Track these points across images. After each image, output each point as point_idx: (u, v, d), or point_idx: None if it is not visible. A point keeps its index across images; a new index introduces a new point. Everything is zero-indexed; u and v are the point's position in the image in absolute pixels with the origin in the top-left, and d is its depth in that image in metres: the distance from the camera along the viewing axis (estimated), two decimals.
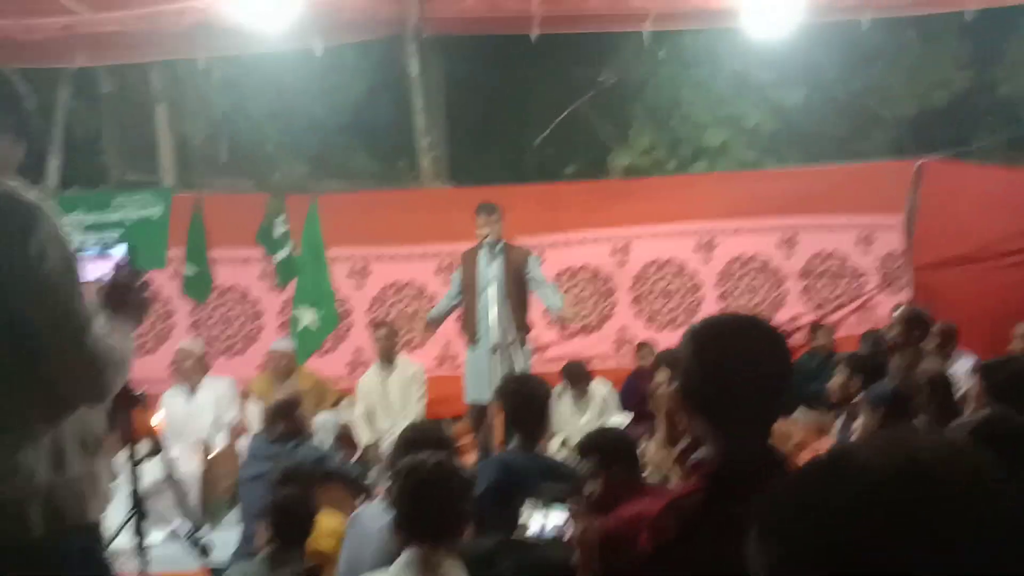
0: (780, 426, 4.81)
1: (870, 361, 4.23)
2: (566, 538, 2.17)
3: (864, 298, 7.20)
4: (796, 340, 6.85)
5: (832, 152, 8.15)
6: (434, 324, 5.57)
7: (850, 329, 7.11)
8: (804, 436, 5.43)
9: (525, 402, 3.27)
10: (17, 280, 1.59)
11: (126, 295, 1.85)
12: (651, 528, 1.43)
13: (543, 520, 2.28)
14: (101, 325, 1.70)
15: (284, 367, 5.92)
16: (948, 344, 5.44)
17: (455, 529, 2.11)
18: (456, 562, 2.07)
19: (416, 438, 2.87)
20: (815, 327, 6.56)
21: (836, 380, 4.35)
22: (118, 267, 1.89)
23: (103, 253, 1.91)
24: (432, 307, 6.77)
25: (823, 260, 7.20)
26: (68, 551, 1.67)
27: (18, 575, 1.62)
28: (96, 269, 1.81)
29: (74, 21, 5.42)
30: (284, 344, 6.15)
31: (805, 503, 0.73)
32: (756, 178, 7.60)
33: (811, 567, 0.70)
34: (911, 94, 7.92)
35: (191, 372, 5.67)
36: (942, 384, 4.12)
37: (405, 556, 2.08)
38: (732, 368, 1.45)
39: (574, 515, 2.13)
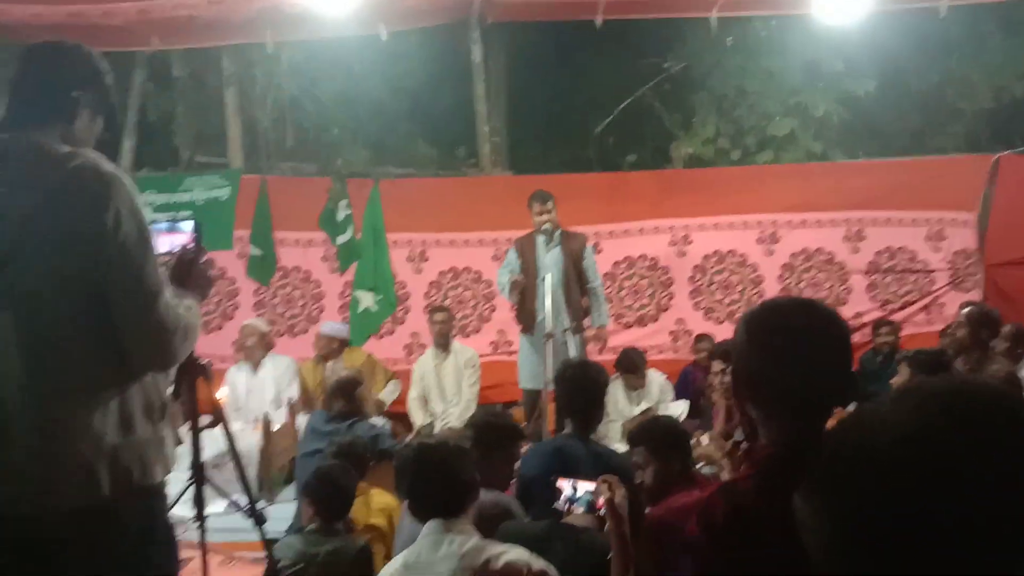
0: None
1: (934, 360, 4.10)
2: (597, 504, 2.25)
3: (932, 296, 6.99)
4: (859, 337, 6.70)
5: (905, 145, 7.89)
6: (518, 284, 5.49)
7: (917, 327, 6.92)
8: None
9: (581, 388, 3.27)
10: (93, 246, 1.66)
11: (191, 270, 1.92)
12: (700, 513, 1.42)
13: (574, 487, 2.34)
14: (171, 295, 1.77)
15: (326, 349, 6.04)
16: (1019, 346, 5.24)
17: (464, 500, 2.22)
18: (469, 527, 2.16)
19: (486, 426, 2.90)
20: (879, 324, 6.38)
21: (898, 379, 4.24)
22: (184, 244, 1.96)
23: (172, 228, 1.98)
24: (490, 293, 6.87)
25: (891, 256, 7.00)
26: (133, 511, 1.74)
27: (86, 532, 1.70)
28: (165, 243, 1.88)
29: (150, 6, 5.60)
30: (330, 327, 6.27)
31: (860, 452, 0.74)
32: (823, 170, 7.41)
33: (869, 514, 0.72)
34: (990, 86, 7.59)
35: (255, 349, 5.85)
36: (1015, 387, 3.99)
37: (425, 530, 2.17)
38: (786, 351, 1.42)
39: (604, 483, 2.23)
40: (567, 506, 2.38)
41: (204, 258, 1.95)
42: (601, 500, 2.22)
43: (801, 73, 7.59)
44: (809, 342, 1.42)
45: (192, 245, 1.97)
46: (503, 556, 2.06)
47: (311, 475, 3.05)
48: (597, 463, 2.96)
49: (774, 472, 1.43)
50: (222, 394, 5.35)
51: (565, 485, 2.37)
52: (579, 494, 2.36)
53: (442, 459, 2.28)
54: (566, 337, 5.03)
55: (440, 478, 2.23)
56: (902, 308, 6.98)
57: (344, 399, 3.98)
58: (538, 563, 2.09)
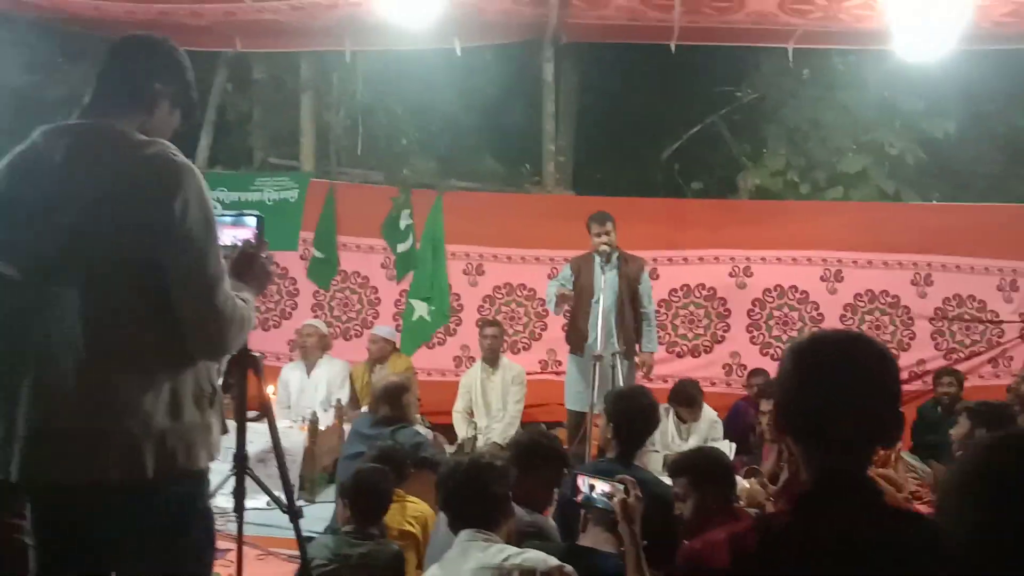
0: (893, 477, 4.58)
1: (997, 412, 3.95)
2: (612, 503, 2.35)
3: (1001, 348, 6.73)
4: (920, 385, 6.49)
5: (983, 190, 7.63)
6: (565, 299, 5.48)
7: (983, 380, 6.67)
8: (918, 487, 5.14)
9: (633, 415, 3.25)
10: (160, 231, 1.72)
11: (252, 264, 1.97)
12: (732, 543, 1.39)
13: (591, 485, 2.43)
14: (230, 285, 1.82)
15: (380, 352, 6.12)
16: None
17: (496, 514, 2.30)
18: (498, 539, 2.25)
19: (532, 445, 2.91)
20: (941, 373, 6.16)
21: (959, 430, 4.10)
22: (246, 238, 2.02)
23: (236, 221, 2.03)
24: (543, 311, 6.86)
25: (959, 303, 6.78)
26: (175, 494, 1.79)
27: (127, 510, 1.75)
28: (228, 236, 1.93)
29: (236, 8, 5.80)
30: (383, 330, 6.37)
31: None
32: (894, 210, 7.23)
33: None
34: None
35: (313, 349, 5.97)
36: None
37: (458, 539, 2.27)
38: (827, 384, 1.39)
39: (621, 482, 2.36)
40: (585, 507, 2.47)
41: (265, 253, 2.00)
42: (616, 499, 2.34)
43: (877, 110, 7.43)
44: (852, 377, 1.39)
45: (254, 240, 2.02)
46: (520, 555, 2.14)
47: (349, 476, 3.08)
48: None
49: (810, 508, 1.40)
50: (272, 389, 5.48)
51: (583, 483, 2.44)
52: (596, 493, 2.42)
53: (478, 473, 2.35)
54: (615, 360, 4.98)
55: (474, 492, 2.31)
56: (968, 358, 6.75)
57: (389, 404, 4.02)
58: (554, 561, 2.14)
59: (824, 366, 1.41)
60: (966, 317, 6.77)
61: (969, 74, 6.63)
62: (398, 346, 6.55)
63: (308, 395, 5.89)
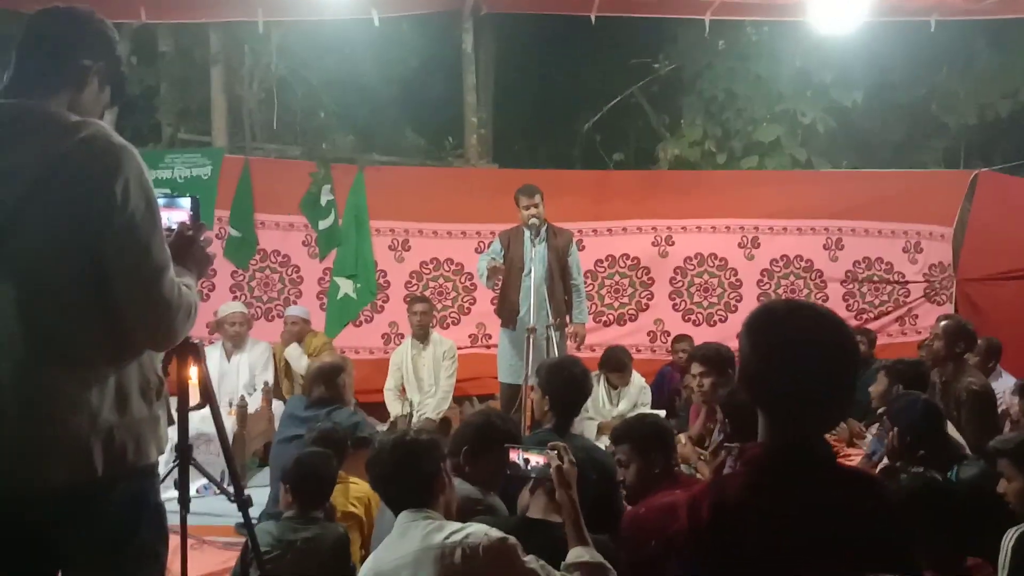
0: None
1: (913, 370, 4.15)
2: (547, 475, 2.36)
3: (907, 307, 7.10)
4: None
5: (888, 157, 7.98)
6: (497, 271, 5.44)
7: (891, 338, 7.02)
8: (834, 444, 5.38)
9: (568, 386, 3.27)
10: (100, 218, 1.62)
11: (191, 248, 1.88)
12: (689, 507, 1.42)
13: (524, 460, 2.44)
14: (175, 272, 1.73)
15: (295, 332, 6.01)
16: (991, 359, 5.34)
17: (430, 491, 2.27)
18: (437, 515, 2.22)
19: (486, 426, 2.89)
20: (854, 332, 6.44)
21: (877, 388, 4.28)
22: (182, 221, 1.92)
23: (170, 203, 1.93)
24: (471, 285, 6.85)
25: (868, 266, 7.10)
26: (127, 492, 1.71)
27: (77, 511, 1.66)
28: (163, 218, 1.83)
29: None
30: (296, 310, 6.26)
31: None
32: (806, 178, 7.49)
33: None
34: (975, 102, 7.69)
35: (239, 335, 5.79)
36: (986, 398, 4.05)
37: (397, 521, 2.23)
38: (801, 363, 1.42)
39: (553, 449, 2.37)
40: (526, 477, 2.48)
41: (204, 235, 1.91)
42: (552, 467, 2.35)
43: (790, 80, 7.64)
44: (823, 357, 1.43)
45: (190, 222, 1.93)
46: (462, 530, 2.11)
47: (291, 461, 3.01)
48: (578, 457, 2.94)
49: (764, 471, 1.43)
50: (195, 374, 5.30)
51: (516, 456, 2.46)
52: (530, 467, 2.43)
53: (405, 452, 2.29)
54: (549, 333, 5.02)
55: (404, 471, 2.26)
56: (877, 318, 7.08)
57: (324, 385, 3.93)
58: (496, 533, 2.12)
59: (795, 345, 1.44)
60: (875, 279, 7.09)
61: (875, 45, 6.89)
62: (313, 325, 6.44)
63: (230, 380, 5.71)
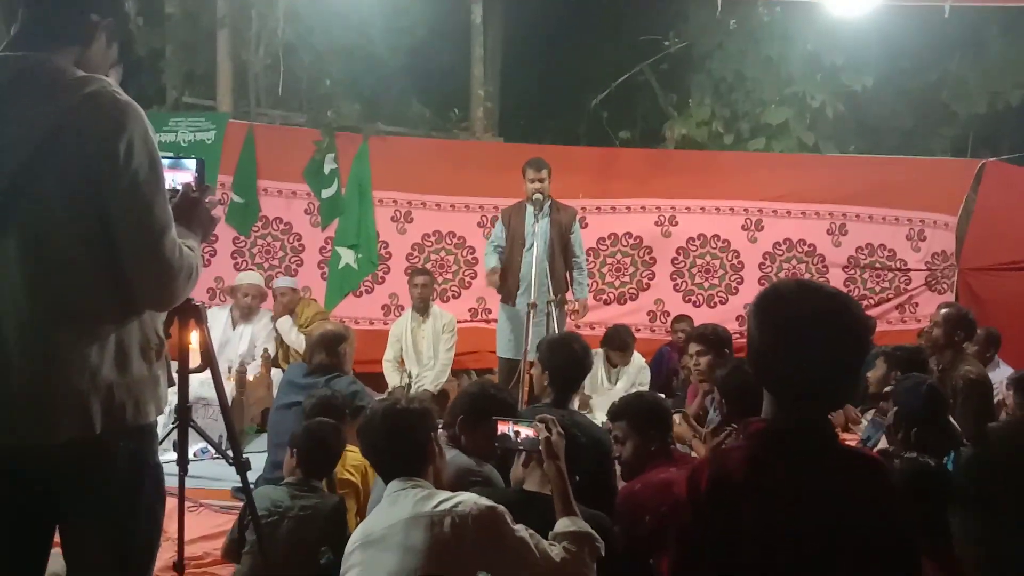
0: None
1: (912, 357, 4.16)
2: (536, 447, 2.39)
3: (908, 295, 7.09)
4: None
5: (896, 144, 7.92)
6: (497, 272, 5.50)
7: (890, 325, 7.03)
8: None
9: (567, 360, 3.28)
10: (104, 174, 1.61)
11: (195, 209, 1.87)
12: (689, 479, 1.42)
13: (515, 431, 2.45)
14: (177, 232, 1.73)
15: (285, 303, 6.00)
16: (989, 349, 5.35)
17: (421, 460, 2.28)
18: (427, 483, 2.24)
19: (481, 396, 2.90)
20: None
21: (875, 373, 4.29)
22: (188, 182, 1.91)
23: (175, 164, 1.92)
24: (473, 259, 6.84)
25: (871, 252, 7.09)
26: (125, 451, 1.71)
27: (75, 468, 1.66)
28: (167, 179, 1.82)
29: None
30: (285, 281, 6.23)
31: None
32: (813, 162, 7.45)
33: None
34: (985, 91, 7.63)
35: (250, 307, 5.79)
36: (982, 387, 4.06)
37: (387, 490, 2.24)
38: (814, 347, 1.41)
39: (542, 422, 2.40)
40: (515, 450, 2.49)
41: (209, 198, 1.90)
42: (541, 438, 2.38)
43: (801, 63, 7.57)
44: (822, 334, 1.42)
45: (195, 184, 1.92)
46: (452, 499, 2.13)
47: (301, 429, 3.02)
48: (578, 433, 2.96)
49: (767, 447, 1.43)
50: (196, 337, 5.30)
51: (505, 428, 2.47)
52: (520, 439, 2.44)
53: (397, 421, 2.31)
54: (549, 308, 5.02)
55: (395, 440, 2.28)
56: (877, 304, 7.07)
57: (326, 352, 3.94)
58: (485, 501, 2.14)
59: (803, 325, 1.43)
60: (877, 265, 7.08)
61: (887, 30, 6.81)
62: (314, 294, 6.43)
63: (232, 347, 5.72)
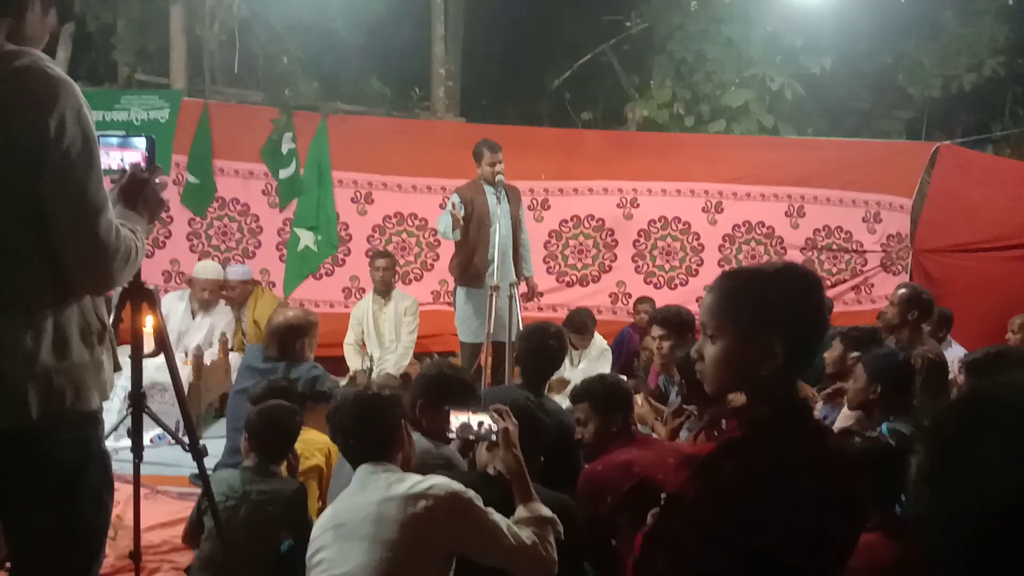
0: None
1: (868, 337, 4.22)
2: (492, 437, 2.40)
3: (864, 276, 7.21)
4: None
5: (854, 125, 8.03)
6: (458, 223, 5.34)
7: (847, 306, 7.14)
8: None
9: (541, 348, 3.30)
10: (34, 152, 1.55)
11: (143, 190, 1.81)
12: (706, 471, 1.40)
13: (471, 421, 2.44)
14: (115, 214, 1.66)
15: (241, 295, 5.89)
16: (941, 329, 5.47)
17: (389, 445, 2.30)
18: (395, 468, 2.26)
19: (439, 378, 2.88)
20: None
21: (831, 354, 4.35)
22: (136, 162, 1.84)
23: (124, 143, 1.85)
24: (435, 241, 6.77)
25: (828, 234, 7.18)
26: (67, 437, 1.66)
27: (17, 456, 1.61)
28: (115, 158, 1.76)
29: None
30: (238, 270, 6.08)
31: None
32: (771, 144, 7.52)
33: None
34: (941, 74, 7.76)
35: (207, 302, 5.65)
36: (941, 368, 4.15)
37: (356, 475, 2.25)
38: (825, 319, 1.50)
39: (498, 413, 2.41)
40: (470, 438, 2.48)
41: (158, 178, 1.83)
42: (498, 428, 2.38)
43: (760, 45, 7.62)
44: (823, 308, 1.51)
45: (144, 163, 1.85)
46: (424, 481, 2.14)
47: (255, 413, 2.97)
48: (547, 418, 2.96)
49: (770, 433, 1.42)
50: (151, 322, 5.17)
51: (460, 417, 2.46)
52: (477, 429, 2.43)
53: (366, 406, 2.31)
54: (512, 291, 4.99)
55: (365, 425, 2.28)
56: (833, 286, 7.18)
57: (283, 345, 3.85)
58: (458, 485, 2.16)
59: (818, 295, 1.49)
60: (834, 247, 7.19)
61: (845, 11, 6.88)
62: (272, 276, 6.29)
63: (190, 336, 5.60)
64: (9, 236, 1.57)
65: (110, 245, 1.62)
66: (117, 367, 1.82)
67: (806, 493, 1.37)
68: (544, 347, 3.35)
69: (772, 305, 1.43)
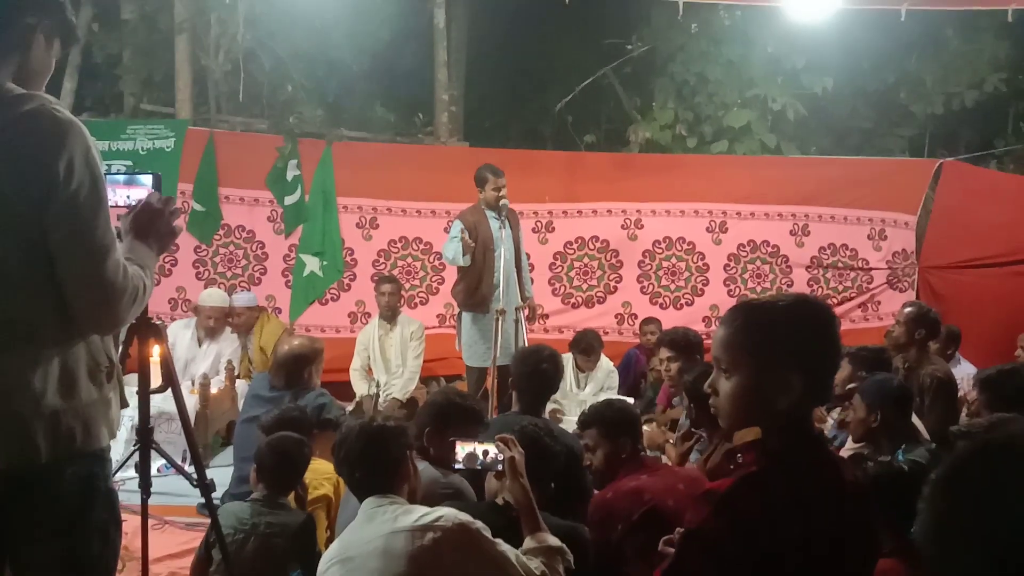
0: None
1: (875, 357, 4.20)
2: (498, 466, 2.37)
3: (870, 293, 7.20)
4: None
5: (856, 144, 8.05)
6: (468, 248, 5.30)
7: (853, 324, 7.12)
8: None
9: (536, 372, 3.29)
10: (42, 195, 1.55)
11: (156, 221, 1.81)
12: (728, 506, 1.38)
13: (477, 451, 2.42)
14: (122, 251, 1.66)
15: (246, 322, 5.90)
16: (950, 347, 5.44)
17: (394, 478, 2.28)
18: (402, 499, 2.24)
19: (447, 405, 2.87)
20: None
21: (840, 374, 4.31)
22: (153, 191, 1.85)
23: (130, 180, 1.86)
24: (440, 265, 6.78)
25: (833, 252, 7.18)
26: (74, 476, 1.65)
27: (23, 495, 1.60)
28: (122, 195, 1.77)
29: None
30: (243, 298, 6.09)
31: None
32: (775, 164, 7.54)
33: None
34: (942, 92, 7.78)
35: (213, 329, 5.66)
36: (949, 387, 4.12)
37: (362, 508, 2.23)
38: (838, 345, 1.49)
39: (504, 443, 2.38)
40: (476, 467, 2.45)
41: (171, 208, 1.83)
42: (504, 457, 2.35)
43: (762, 65, 7.65)
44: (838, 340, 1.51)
45: (157, 193, 1.86)
46: (432, 513, 2.12)
47: (263, 445, 2.96)
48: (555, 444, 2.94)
49: (789, 464, 1.41)
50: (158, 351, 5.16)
51: (466, 447, 2.43)
52: (483, 459, 2.42)
53: (372, 439, 2.29)
54: (518, 315, 4.99)
55: (370, 458, 2.27)
56: (840, 304, 7.16)
57: (290, 374, 3.84)
58: (465, 516, 2.13)
59: (833, 327, 1.49)
60: (839, 265, 7.18)
61: (846, 32, 6.90)
62: (278, 302, 6.29)
63: (197, 364, 5.60)
64: (16, 275, 1.58)
65: (117, 285, 1.63)
66: (124, 404, 1.81)
67: (823, 525, 1.36)
68: (538, 371, 3.34)
69: (789, 339, 1.43)
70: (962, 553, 0.68)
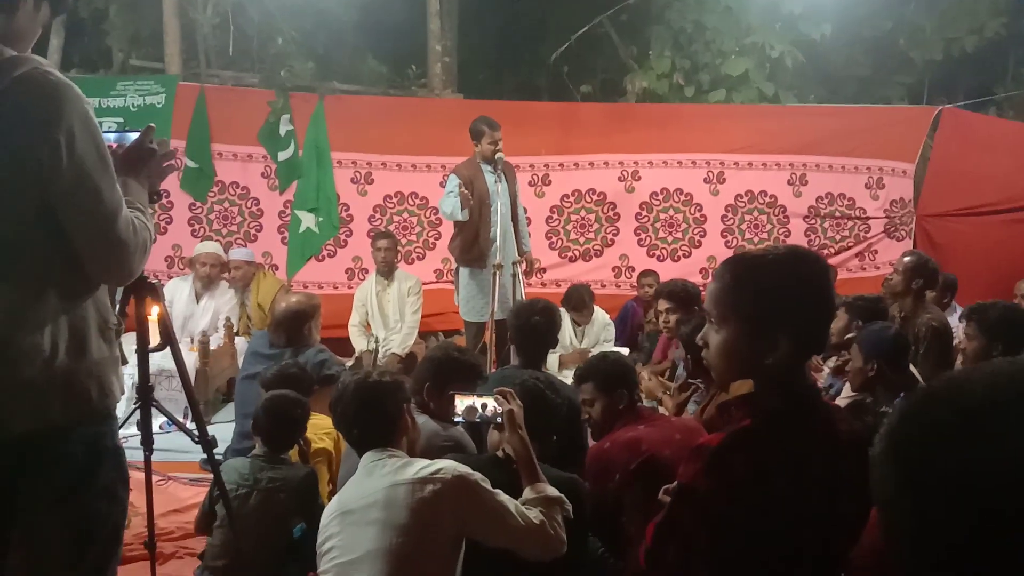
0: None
1: (872, 306, 4.21)
2: (498, 419, 2.38)
3: (867, 243, 7.19)
4: None
5: (855, 92, 7.96)
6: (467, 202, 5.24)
7: (850, 273, 7.13)
8: None
9: (529, 326, 3.29)
10: (47, 167, 1.54)
11: (149, 160, 1.80)
12: (717, 465, 1.38)
13: (476, 404, 2.43)
14: (127, 209, 1.66)
15: (243, 277, 5.89)
16: (945, 295, 5.45)
17: (392, 432, 2.29)
18: (401, 453, 2.25)
19: (447, 360, 2.88)
20: None
21: (836, 323, 4.33)
22: (149, 127, 1.84)
23: (120, 139, 1.84)
24: (436, 220, 6.75)
25: (831, 201, 7.15)
26: (82, 436, 1.67)
27: (36, 459, 1.62)
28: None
29: None
30: (240, 253, 6.10)
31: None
32: (772, 113, 7.46)
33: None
34: (941, 37, 7.67)
35: (209, 277, 5.66)
36: (945, 335, 4.14)
37: (361, 463, 2.25)
38: (830, 299, 1.47)
39: (502, 396, 2.38)
40: (475, 420, 2.45)
41: (166, 149, 1.83)
42: (503, 410, 2.36)
43: (759, 12, 7.52)
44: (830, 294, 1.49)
45: (151, 133, 1.85)
46: (431, 465, 2.14)
47: (261, 405, 2.98)
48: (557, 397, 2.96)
49: (782, 422, 1.42)
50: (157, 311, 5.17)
51: (465, 400, 2.44)
52: (482, 413, 2.43)
53: (368, 393, 2.30)
54: (515, 269, 4.98)
55: (367, 412, 2.27)
56: (837, 253, 7.16)
57: (289, 331, 3.85)
58: (465, 468, 2.15)
59: (825, 281, 1.47)
60: (836, 214, 7.16)
61: None
62: (274, 259, 6.29)
63: (195, 320, 5.62)
64: (19, 241, 1.57)
65: (129, 242, 1.65)
66: (124, 361, 1.82)
67: (817, 480, 1.37)
68: (531, 324, 3.34)
69: (775, 296, 1.40)
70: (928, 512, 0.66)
